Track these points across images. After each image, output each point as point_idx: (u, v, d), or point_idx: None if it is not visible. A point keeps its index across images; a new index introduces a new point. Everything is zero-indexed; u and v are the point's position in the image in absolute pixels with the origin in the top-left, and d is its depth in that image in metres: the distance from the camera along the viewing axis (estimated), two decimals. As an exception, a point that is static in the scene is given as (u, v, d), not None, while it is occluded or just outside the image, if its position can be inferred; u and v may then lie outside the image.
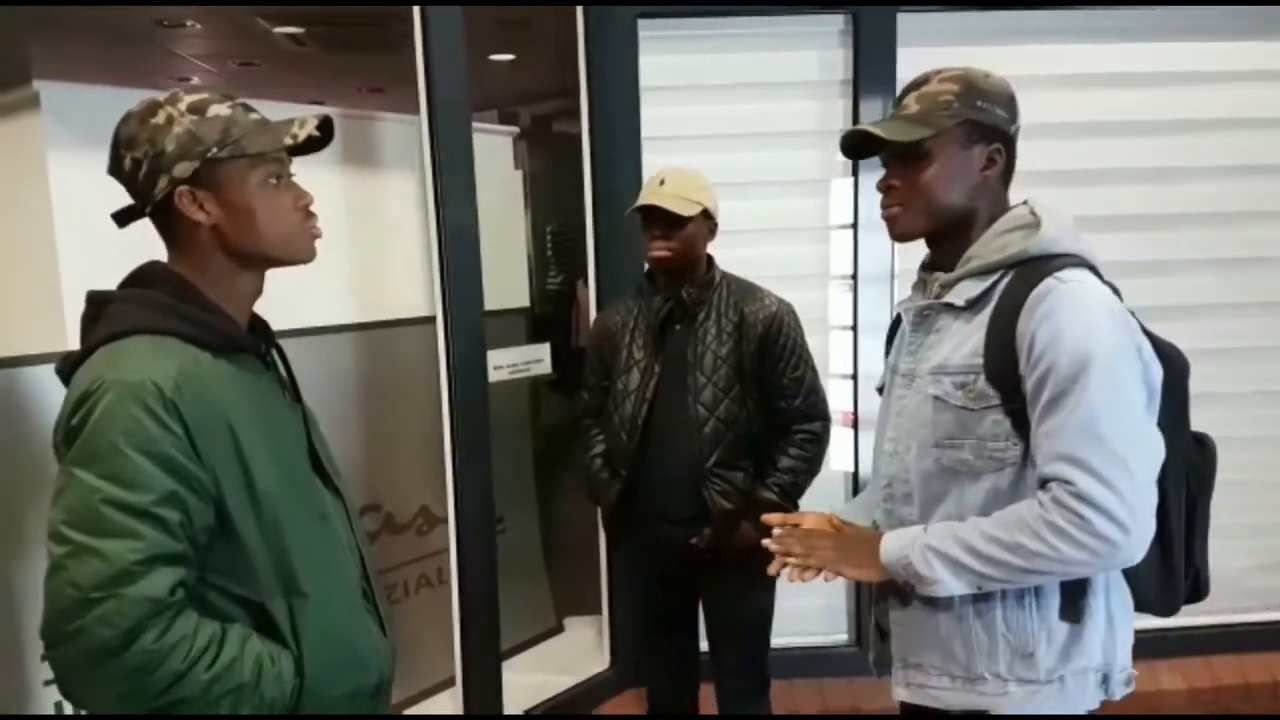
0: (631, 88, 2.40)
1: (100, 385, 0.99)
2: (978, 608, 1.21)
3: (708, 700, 2.15)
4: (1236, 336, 2.60)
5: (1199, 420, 1.25)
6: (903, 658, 1.31)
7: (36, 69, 1.87)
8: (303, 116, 1.13)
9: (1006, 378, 1.16)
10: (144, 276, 1.12)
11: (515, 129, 3.10)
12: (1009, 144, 1.27)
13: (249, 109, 1.13)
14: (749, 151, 2.39)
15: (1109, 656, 1.21)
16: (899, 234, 1.30)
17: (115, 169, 1.10)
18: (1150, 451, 1.11)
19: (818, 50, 2.47)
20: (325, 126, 1.14)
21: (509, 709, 2.33)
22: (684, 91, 2.45)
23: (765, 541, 1.31)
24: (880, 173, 1.30)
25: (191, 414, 1.01)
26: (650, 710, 2.19)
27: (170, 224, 1.10)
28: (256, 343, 1.17)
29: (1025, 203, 1.27)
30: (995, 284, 1.22)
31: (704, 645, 2.12)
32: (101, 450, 0.97)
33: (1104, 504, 1.06)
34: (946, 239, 1.28)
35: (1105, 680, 1.22)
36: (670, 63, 2.43)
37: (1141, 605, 1.26)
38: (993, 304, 1.20)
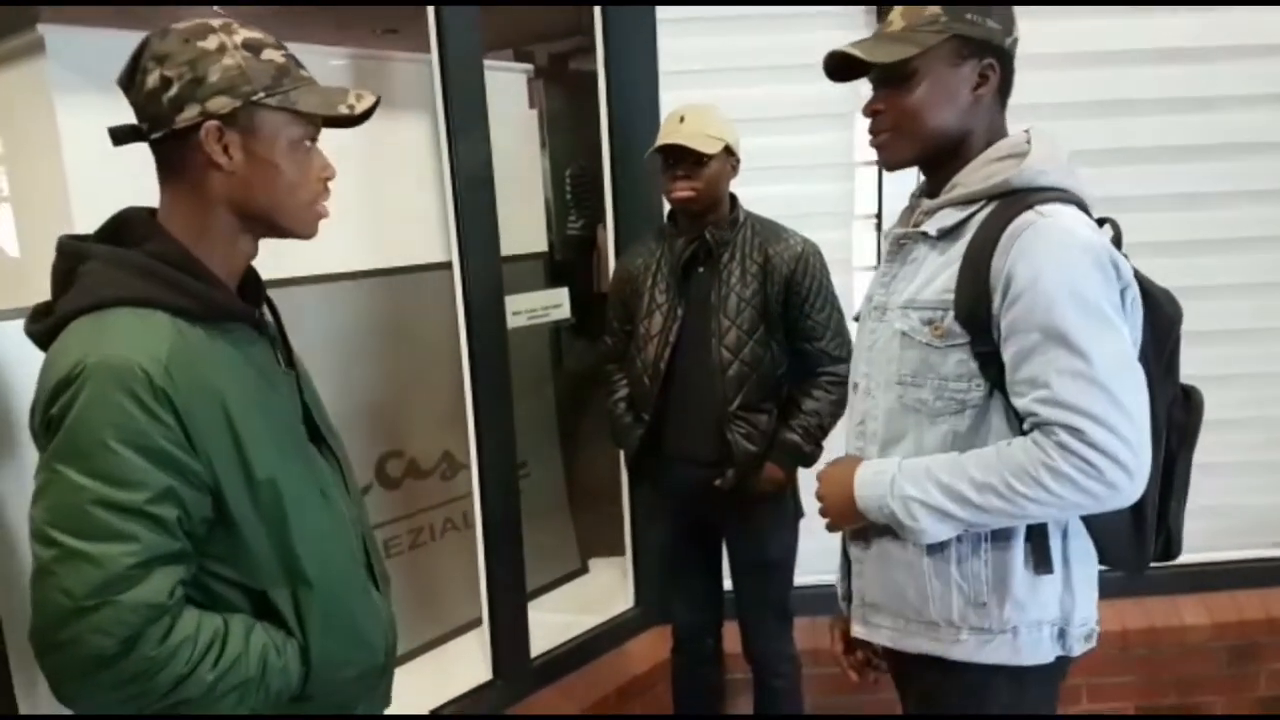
0: (648, 21, 2.32)
1: (81, 370, 0.88)
2: (932, 555, 1.18)
3: (731, 637, 2.18)
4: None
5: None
6: (861, 596, 1.29)
7: (41, 12, 1.83)
8: (358, 91, 1.06)
9: (977, 317, 1.10)
10: (124, 228, 1.00)
11: (529, 66, 3.01)
12: (1003, 59, 1.17)
13: (299, 64, 1.05)
14: (770, 85, 2.31)
15: (1066, 610, 1.18)
16: (888, 162, 1.23)
17: (130, 81, 0.98)
18: (1142, 390, 1.07)
19: (842, -23, 2.36)
20: (372, 108, 1.07)
21: (535, 648, 2.38)
22: (702, 23, 2.36)
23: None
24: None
25: (183, 401, 0.92)
26: (675, 647, 2.23)
27: (181, 158, 0.98)
28: (251, 311, 1.07)
29: (1027, 130, 1.19)
30: (974, 215, 1.15)
31: (727, 584, 2.15)
32: (87, 446, 0.88)
33: (1113, 452, 1.02)
34: (940, 166, 1.21)
35: (1062, 635, 1.18)
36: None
37: (1108, 561, 1.22)
38: (968, 236, 1.13)
